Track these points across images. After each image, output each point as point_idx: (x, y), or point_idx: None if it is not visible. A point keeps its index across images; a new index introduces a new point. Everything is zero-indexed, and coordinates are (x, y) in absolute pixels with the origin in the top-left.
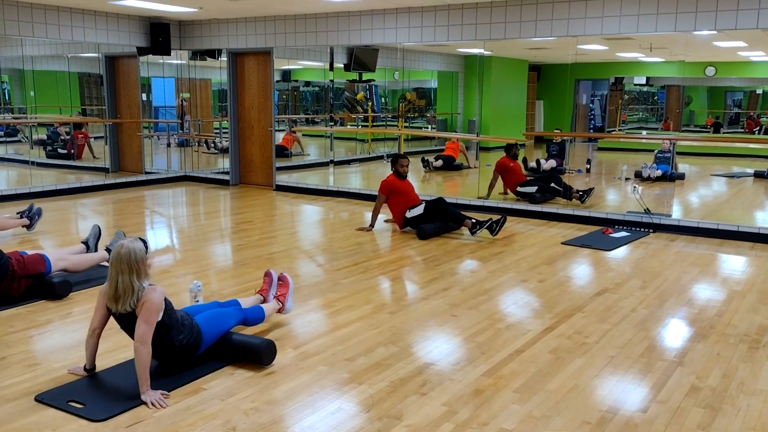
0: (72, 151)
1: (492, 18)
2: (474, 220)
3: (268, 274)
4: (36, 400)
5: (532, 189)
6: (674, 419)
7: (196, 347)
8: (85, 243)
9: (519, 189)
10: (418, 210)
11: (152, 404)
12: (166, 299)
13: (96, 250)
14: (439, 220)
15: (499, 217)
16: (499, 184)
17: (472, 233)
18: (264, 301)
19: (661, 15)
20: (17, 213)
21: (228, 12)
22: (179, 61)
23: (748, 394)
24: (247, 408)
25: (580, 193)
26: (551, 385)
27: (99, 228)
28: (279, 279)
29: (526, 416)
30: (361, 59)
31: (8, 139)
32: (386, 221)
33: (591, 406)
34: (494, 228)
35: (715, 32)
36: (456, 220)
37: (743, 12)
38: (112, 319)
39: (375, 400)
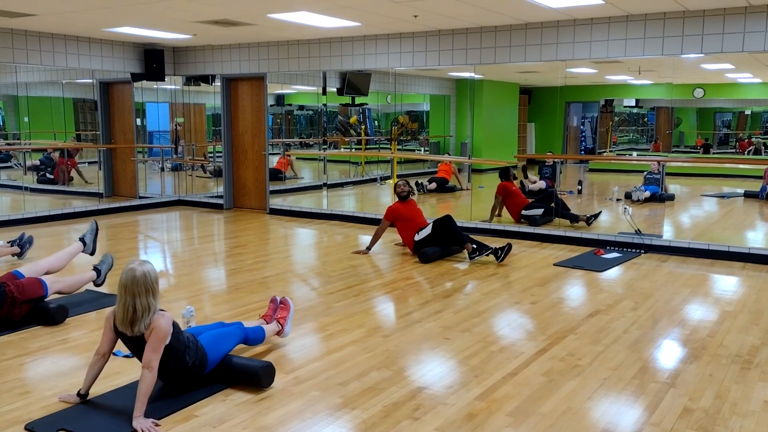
0: (59, 177)
1: (482, 43)
2: (474, 246)
3: (273, 300)
4: (26, 429)
5: (539, 211)
6: None
7: (202, 368)
8: (96, 269)
9: (524, 212)
10: (426, 231)
11: None
12: (173, 322)
13: (93, 247)
14: (445, 238)
15: (506, 244)
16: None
17: (471, 258)
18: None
19: (648, 39)
20: (8, 242)
21: (221, 38)
22: (173, 87)
23: (741, 416)
24: None
25: (587, 216)
26: (544, 408)
27: (96, 224)
28: (281, 302)
29: None
30: (354, 83)
31: (1, 165)
32: (397, 244)
33: (584, 429)
34: (499, 255)
35: (702, 55)
36: (458, 240)
37: (729, 36)
38: None
39: (368, 425)
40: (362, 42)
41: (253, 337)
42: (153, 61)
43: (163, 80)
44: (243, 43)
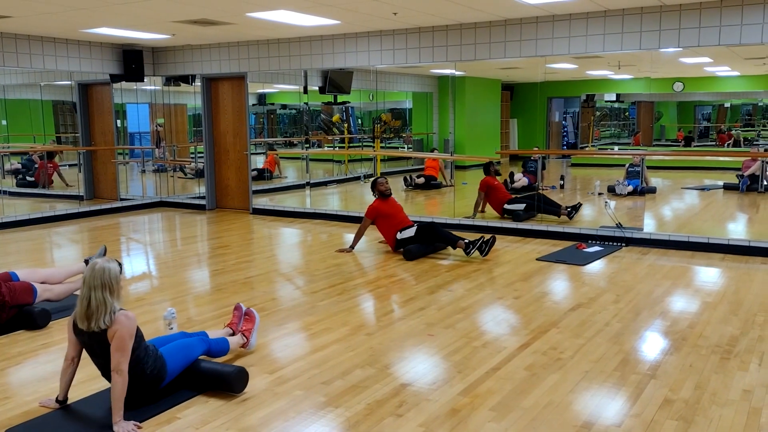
0: (41, 179)
1: (462, 40)
2: (467, 241)
3: (237, 308)
4: None
5: (520, 207)
6: None
7: (161, 379)
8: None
9: (506, 206)
10: (410, 232)
11: None
12: (137, 327)
13: None
14: (433, 242)
15: (490, 236)
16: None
17: (467, 253)
18: (233, 334)
19: (626, 34)
20: None
21: (201, 38)
22: (153, 87)
23: (720, 405)
24: None
25: (569, 209)
26: (527, 402)
27: (105, 249)
28: (245, 314)
29: None
30: (336, 82)
31: None
32: (380, 242)
33: (566, 422)
34: (484, 249)
35: (679, 49)
36: (449, 242)
37: (705, 29)
38: None
39: (351, 423)
40: (342, 40)
41: (217, 349)
42: (132, 61)
43: (143, 81)
44: (223, 42)
